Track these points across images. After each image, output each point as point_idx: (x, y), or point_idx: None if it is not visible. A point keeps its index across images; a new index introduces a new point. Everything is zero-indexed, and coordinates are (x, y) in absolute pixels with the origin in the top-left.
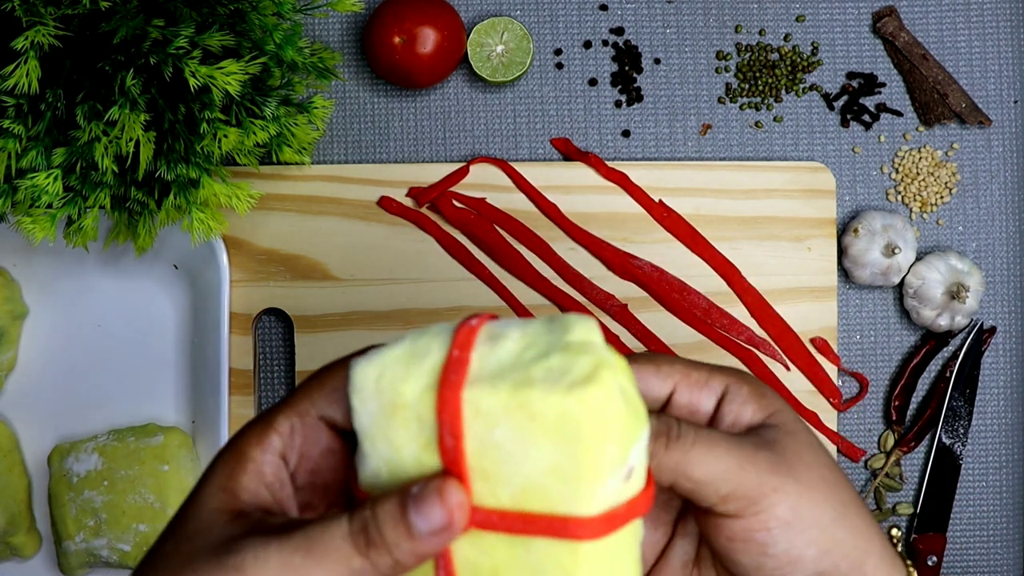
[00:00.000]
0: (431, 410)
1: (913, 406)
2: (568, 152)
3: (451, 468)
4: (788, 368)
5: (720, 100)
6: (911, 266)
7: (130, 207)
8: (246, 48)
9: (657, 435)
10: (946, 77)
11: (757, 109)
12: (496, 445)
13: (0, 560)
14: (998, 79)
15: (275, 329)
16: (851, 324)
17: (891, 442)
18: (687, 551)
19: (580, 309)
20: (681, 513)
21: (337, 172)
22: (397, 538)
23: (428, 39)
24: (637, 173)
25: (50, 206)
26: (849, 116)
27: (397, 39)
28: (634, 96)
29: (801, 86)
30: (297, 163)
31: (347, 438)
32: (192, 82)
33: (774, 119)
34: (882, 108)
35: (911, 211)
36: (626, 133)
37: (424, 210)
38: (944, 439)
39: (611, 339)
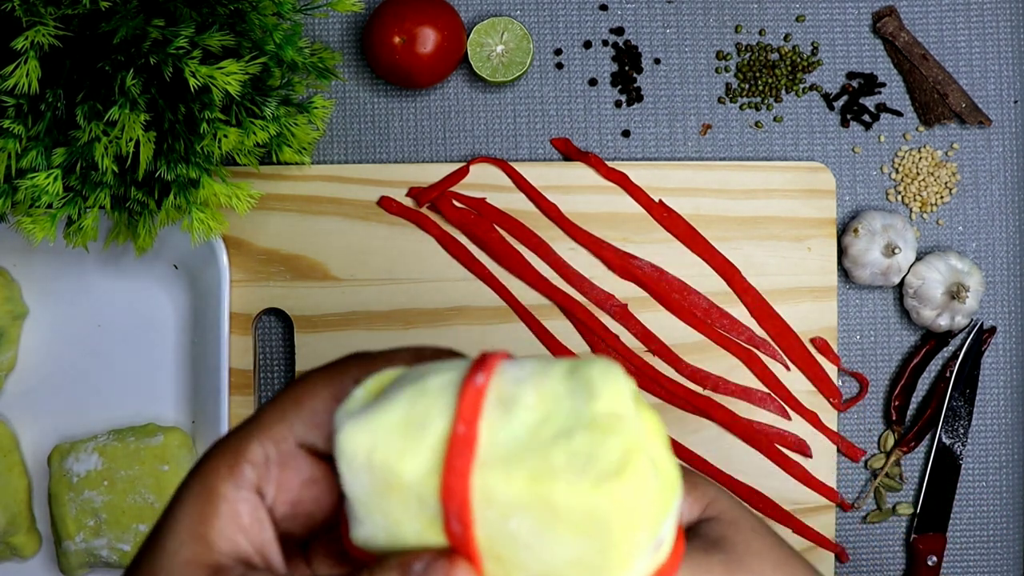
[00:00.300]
0: (434, 495)
1: (913, 406)
2: (568, 152)
3: (459, 549)
4: (788, 368)
5: (720, 100)
6: (911, 266)
7: (130, 207)
8: (246, 48)
9: None
10: (946, 77)
11: (757, 109)
12: (512, 534)
13: (0, 560)
14: (998, 79)
15: (275, 329)
16: (851, 324)
17: (891, 442)
18: None
19: (580, 309)
20: None
21: (337, 172)
22: None
23: (428, 39)
24: (637, 173)
25: (50, 206)
26: (849, 116)
27: (397, 39)
28: (634, 96)
29: (801, 86)
30: (297, 163)
31: (331, 461)
32: (192, 82)
33: (774, 119)
34: (882, 108)
35: (911, 211)
36: (626, 133)
37: (424, 210)
38: (944, 439)
39: (611, 339)
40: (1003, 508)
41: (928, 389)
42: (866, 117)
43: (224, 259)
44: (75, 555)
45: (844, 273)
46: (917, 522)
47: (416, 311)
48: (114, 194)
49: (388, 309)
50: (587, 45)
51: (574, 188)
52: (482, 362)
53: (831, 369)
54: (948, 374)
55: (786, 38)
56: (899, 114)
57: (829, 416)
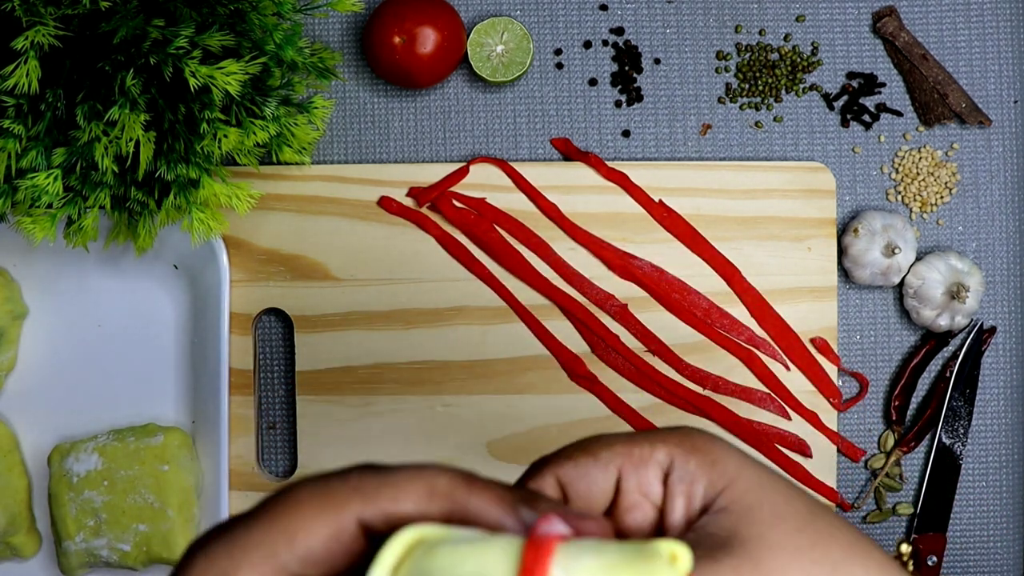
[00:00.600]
0: None
1: (913, 406)
2: (568, 152)
3: None
4: (788, 368)
5: (720, 100)
6: (911, 266)
7: (130, 207)
8: (246, 48)
9: None
10: (946, 77)
11: (757, 109)
12: None
13: (0, 560)
14: (998, 79)
15: (275, 329)
16: (851, 324)
17: (891, 442)
18: None
19: (580, 309)
20: None
21: (337, 172)
22: None
23: (428, 39)
24: (637, 173)
25: (50, 206)
26: (849, 116)
27: (397, 39)
28: (634, 96)
29: (801, 86)
30: (297, 163)
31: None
32: (192, 82)
33: (774, 119)
34: (882, 108)
35: (911, 211)
36: (626, 133)
37: (424, 210)
38: (944, 439)
39: (611, 339)
40: (1003, 508)
41: (928, 389)
42: (866, 117)
43: (224, 259)
44: (75, 555)
45: (844, 273)
46: (917, 522)
47: (416, 311)
48: (114, 194)
49: (388, 309)
50: (587, 45)
51: (574, 188)
52: (535, 553)
53: (831, 369)
54: (948, 374)
55: (786, 38)
56: (899, 114)
57: (829, 416)
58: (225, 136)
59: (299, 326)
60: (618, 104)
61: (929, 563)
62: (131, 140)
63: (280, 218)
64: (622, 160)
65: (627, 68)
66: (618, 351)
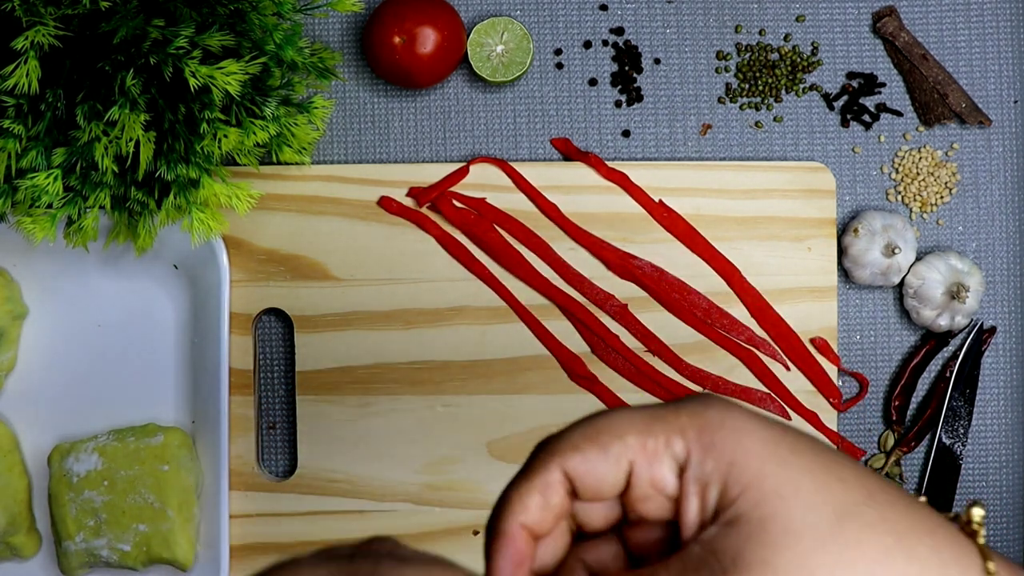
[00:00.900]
0: None
1: (913, 406)
2: (568, 152)
3: None
4: (788, 368)
5: (720, 100)
6: (911, 266)
7: (130, 207)
8: (246, 48)
9: None
10: (946, 77)
11: (757, 109)
12: None
13: (0, 560)
14: (998, 79)
15: (275, 329)
16: (851, 324)
17: (891, 442)
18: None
19: (580, 309)
20: None
21: (337, 172)
22: None
23: (428, 39)
24: (637, 173)
25: (50, 206)
26: (849, 116)
27: (397, 39)
28: (634, 96)
29: (801, 86)
30: (297, 163)
31: None
32: (192, 82)
33: (774, 119)
34: (882, 108)
35: (911, 211)
36: (626, 133)
37: (424, 210)
38: (944, 439)
39: (611, 339)
40: (1003, 508)
41: (928, 389)
42: (866, 117)
43: (224, 259)
44: (75, 555)
45: (844, 273)
46: None
47: (416, 311)
48: (114, 194)
49: (388, 309)
50: (587, 45)
51: (574, 188)
52: None
53: (831, 369)
54: (948, 374)
55: (786, 38)
56: (899, 114)
57: (829, 416)
58: (225, 136)
59: (299, 326)
60: (618, 104)
61: None
62: (131, 140)
63: (280, 218)
64: (622, 160)
65: (627, 68)
66: (618, 351)
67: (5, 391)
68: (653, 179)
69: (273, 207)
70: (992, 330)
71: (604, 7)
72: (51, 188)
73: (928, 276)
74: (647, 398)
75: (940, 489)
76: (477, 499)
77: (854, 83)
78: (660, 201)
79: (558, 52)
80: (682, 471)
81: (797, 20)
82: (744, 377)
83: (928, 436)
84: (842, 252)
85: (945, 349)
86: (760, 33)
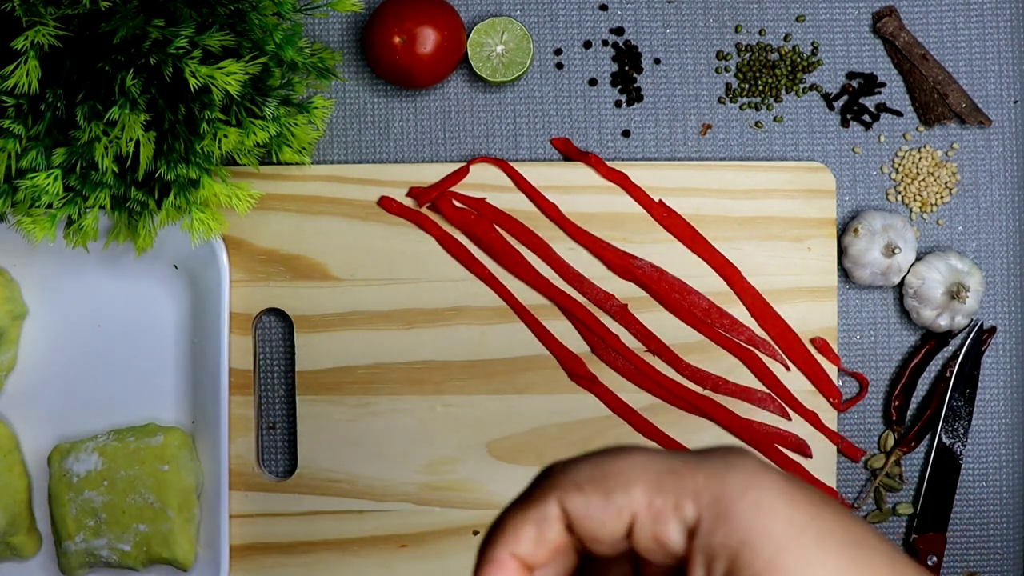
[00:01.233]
0: None
1: (913, 406)
2: (568, 152)
3: None
4: (788, 368)
5: (720, 100)
6: (911, 266)
7: (130, 207)
8: (246, 48)
9: None
10: (946, 77)
11: (757, 109)
12: None
13: (0, 560)
14: (998, 79)
15: (275, 329)
16: (851, 324)
17: (891, 442)
18: None
19: (580, 309)
20: None
21: (337, 172)
22: None
23: (428, 39)
24: (637, 173)
25: (50, 206)
26: (849, 116)
27: (397, 39)
28: (634, 96)
29: (801, 86)
30: (297, 163)
31: None
32: (192, 82)
33: (774, 119)
34: (882, 108)
35: (911, 211)
36: (626, 133)
37: (424, 210)
38: (944, 439)
39: (611, 339)
40: (1003, 508)
41: (928, 389)
42: (866, 117)
43: (224, 259)
44: (75, 555)
45: (844, 273)
46: (917, 522)
47: (416, 311)
48: (114, 194)
49: (388, 309)
50: (587, 45)
51: (574, 188)
52: None
53: (831, 369)
54: (948, 374)
55: (786, 38)
56: (899, 114)
57: (829, 416)
58: (225, 136)
59: (299, 326)
60: (618, 104)
61: (929, 563)
62: (131, 140)
63: (280, 218)
64: (622, 160)
65: (627, 68)
66: (618, 351)
67: (5, 391)
68: (653, 179)
69: (273, 207)
70: (992, 330)
71: (604, 7)
72: (51, 188)
73: (928, 276)
74: (647, 398)
75: (940, 489)
76: (477, 499)
77: (854, 83)
78: (660, 201)
79: (558, 52)
80: (691, 534)
81: (797, 20)
82: (744, 377)
83: (928, 436)
84: (842, 252)
85: (945, 349)
86: (760, 33)
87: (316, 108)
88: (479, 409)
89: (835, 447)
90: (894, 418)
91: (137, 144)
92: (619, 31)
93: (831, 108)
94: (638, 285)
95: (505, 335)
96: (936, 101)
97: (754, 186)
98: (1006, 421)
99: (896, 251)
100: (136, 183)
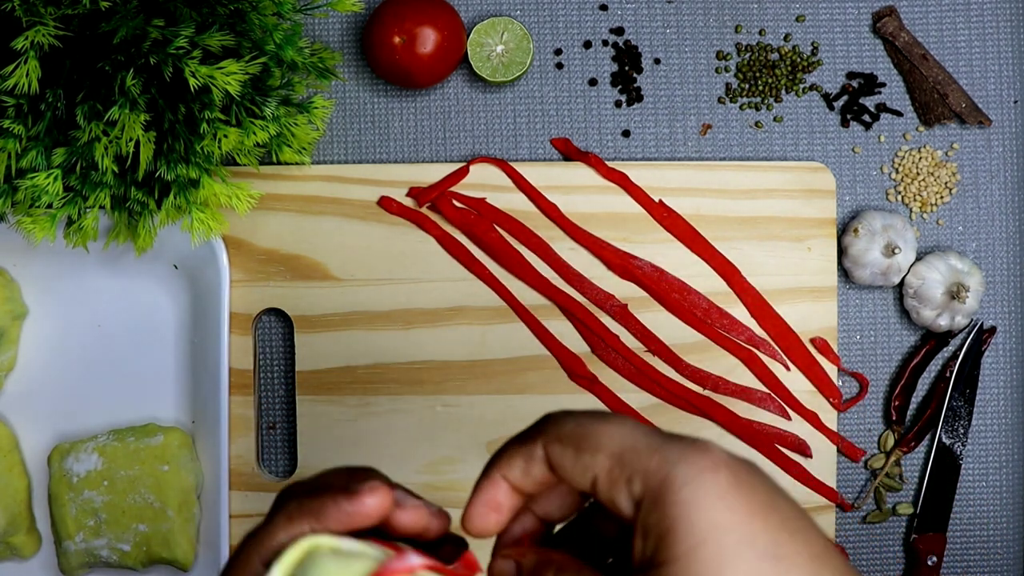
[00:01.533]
0: None
1: (913, 406)
2: (568, 152)
3: None
4: (788, 368)
5: (720, 100)
6: (911, 266)
7: (130, 207)
8: (246, 48)
9: None
10: (946, 77)
11: (757, 109)
12: None
13: (0, 560)
14: (998, 79)
15: (275, 329)
16: (851, 324)
17: (891, 442)
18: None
19: (580, 309)
20: None
21: (337, 172)
22: None
23: (428, 39)
24: (637, 173)
25: (50, 206)
26: (849, 116)
27: (397, 39)
28: (634, 96)
29: (801, 86)
30: (297, 163)
31: None
32: (192, 82)
33: (774, 119)
34: (882, 108)
35: (911, 211)
36: (626, 133)
37: (424, 210)
38: (944, 439)
39: (611, 339)
40: (1003, 508)
41: (928, 389)
42: (866, 117)
43: (224, 259)
44: (75, 555)
45: (844, 273)
46: (917, 522)
47: (416, 311)
48: (114, 194)
49: (388, 309)
50: (587, 45)
51: (574, 188)
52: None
53: (831, 369)
54: (948, 374)
55: (786, 38)
56: (899, 114)
57: (829, 416)
58: (225, 136)
59: (299, 326)
60: (618, 104)
61: (929, 563)
62: (131, 140)
63: (280, 218)
64: (622, 160)
65: (627, 68)
66: (618, 351)
67: (5, 391)
68: (653, 179)
69: (273, 207)
70: (992, 330)
71: (604, 7)
72: (51, 188)
73: (928, 276)
74: (647, 398)
75: (940, 489)
76: None
77: (854, 83)
78: (660, 201)
79: (558, 52)
80: (638, 507)
81: (797, 20)
82: (744, 377)
83: (928, 436)
84: (842, 252)
85: (945, 349)
86: (760, 33)
87: (316, 108)
88: (479, 409)
89: (835, 447)
90: (894, 418)
91: (137, 144)
92: (619, 31)
93: (831, 108)
94: (638, 285)
95: (505, 335)
96: (936, 101)
97: (754, 186)
98: (1006, 421)
99: (896, 251)
100: (136, 183)
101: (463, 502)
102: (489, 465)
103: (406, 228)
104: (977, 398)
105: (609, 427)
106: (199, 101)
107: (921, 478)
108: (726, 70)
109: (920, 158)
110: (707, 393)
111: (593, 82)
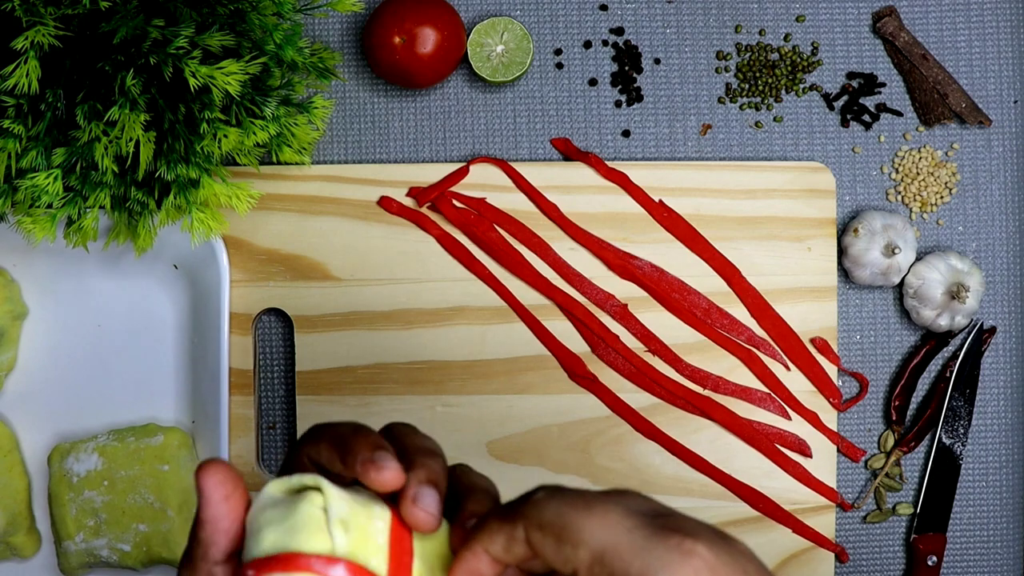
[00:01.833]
0: None
1: (913, 406)
2: (568, 152)
3: None
4: (788, 368)
5: (720, 100)
6: (911, 266)
7: (130, 207)
8: (246, 48)
9: None
10: (946, 77)
11: (757, 109)
12: None
13: (0, 560)
14: (998, 79)
15: (275, 329)
16: (851, 324)
17: (891, 442)
18: None
19: (580, 309)
20: None
21: (337, 172)
22: None
23: (428, 39)
24: (637, 173)
25: (50, 206)
26: (849, 116)
27: (397, 39)
28: (634, 96)
29: (801, 86)
30: (297, 163)
31: None
32: (192, 82)
33: (774, 119)
34: (882, 108)
35: (911, 211)
36: (626, 133)
37: (424, 210)
38: (944, 439)
39: (611, 339)
40: (1003, 508)
41: (928, 389)
42: (866, 117)
43: (224, 259)
44: (75, 555)
45: (844, 273)
46: (917, 522)
47: (416, 311)
48: (114, 194)
49: (388, 309)
50: (587, 45)
51: (574, 188)
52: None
53: (831, 369)
54: (948, 374)
55: (786, 38)
56: (899, 114)
57: (829, 416)
58: (225, 136)
59: (299, 326)
60: (618, 104)
61: (929, 563)
62: (131, 140)
63: (280, 218)
64: (622, 160)
65: (627, 68)
66: (618, 351)
67: (5, 391)
68: (653, 179)
69: (273, 207)
70: (992, 330)
71: (604, 7)
72: (51, 188)
73: (928, 276)
74: (647, 398)
75: (940, 489)
76: None
77: (854, 83)
78: (660, 201)
79: (558, 52)
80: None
81: (797, 20)
82: (744, 377)
83: (928, 436)
84: (842, 252)
85: (945, 349)
86: (760, 33)
87: (316, 108)
88: (479, 409)
89: (835, 447)
90: (894, 418)
91: (137, 144)
92: (619, 31)
93: (831, 108)
94: (638, 285)
95: (505, 335)
96: (936, 101)
97: (754, 186)
98: (1006, 421)
99: (896, 251)
100: (136, 183)
101: None
102: (470, 536)
103: (406, 228)
104: (977, 398)
105: (591, 520)
106: (199, 101)
107: (921, 478)
108: (726, 70)
109: (920, 158)
110: (707, 393)
111: (593, 82)
